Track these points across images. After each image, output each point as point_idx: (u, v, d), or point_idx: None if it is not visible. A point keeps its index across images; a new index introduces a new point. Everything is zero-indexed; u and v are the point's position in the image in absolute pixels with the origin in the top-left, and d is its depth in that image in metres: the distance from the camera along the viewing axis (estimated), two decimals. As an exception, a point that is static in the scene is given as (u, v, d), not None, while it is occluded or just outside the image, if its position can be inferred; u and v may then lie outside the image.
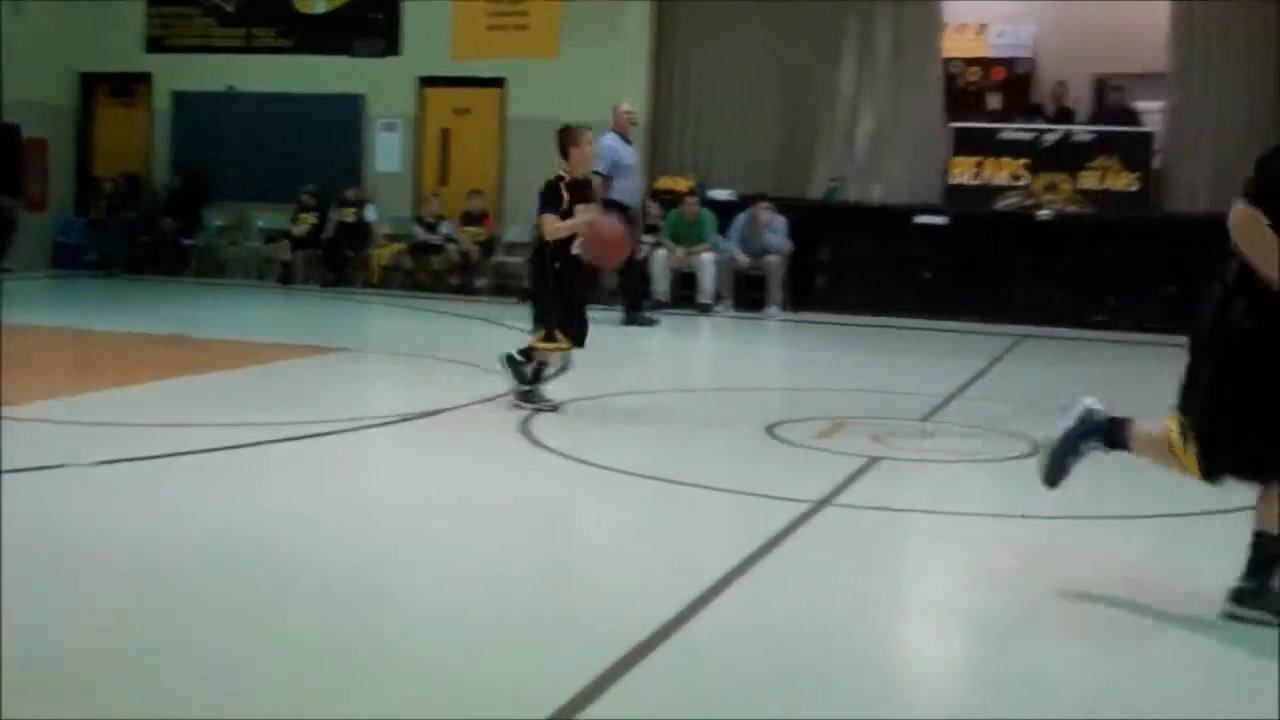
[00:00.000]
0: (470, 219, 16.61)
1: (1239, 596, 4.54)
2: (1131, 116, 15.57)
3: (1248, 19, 14.77)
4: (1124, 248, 14.30)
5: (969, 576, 5.25)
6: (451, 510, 5.76)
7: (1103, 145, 14.71)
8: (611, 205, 13.12)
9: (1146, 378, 11.25)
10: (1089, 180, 14.68)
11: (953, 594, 5.01)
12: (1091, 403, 4.97)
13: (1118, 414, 4.99)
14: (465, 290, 16.24)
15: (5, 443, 6.20)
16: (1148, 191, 14.65)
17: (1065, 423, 4.94)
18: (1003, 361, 11.72)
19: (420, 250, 16.63)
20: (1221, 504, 6.23)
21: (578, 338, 8.03)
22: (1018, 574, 5.15)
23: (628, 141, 13.48)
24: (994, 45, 17.60)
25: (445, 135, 17.38)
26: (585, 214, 7.98)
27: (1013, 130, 15.35)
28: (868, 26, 16.00)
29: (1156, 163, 15.03)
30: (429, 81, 17.26)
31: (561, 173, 8.19)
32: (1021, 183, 14.94)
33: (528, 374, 8.02)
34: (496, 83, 16.84)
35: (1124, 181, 14.62)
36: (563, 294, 8.01)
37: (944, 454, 7.42)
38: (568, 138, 8.33)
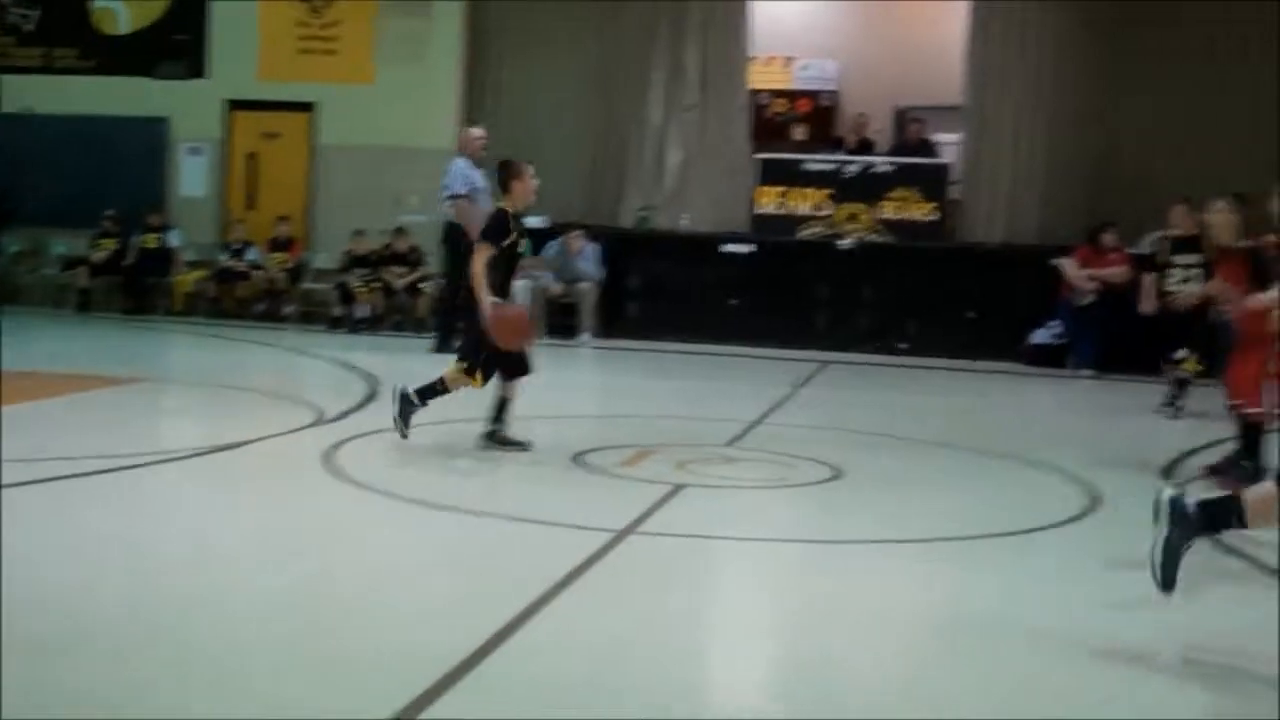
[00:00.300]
0: (278, 245, 16.36)
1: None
2: (930, 148, 16.12)
3: (1039, 55, 15.41)
4: (923, 276, 14.77)
5: (770, 601, 5.37)
6: (251, 545, 5.68)
7: (902, 176, 15.19)
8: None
9: (945, 401, 11.69)
10: (889, 210, 15.13)
11: (753, 618, 5.12)
12: (1172, 494, 4.76)
13: (1205, 497, 4.84)
14: (272, 318, 15.98)
15: None
16: (944, 221, 15.16)
17: (1161, 532, 4.71)
18: (807, 387, 12.00)
19: (225, 277, 16.32)
20: (1017, 526, 6.51)
21: (488, 378, 7.86)
22: (820, 597, 5.29)
23: (479, 166, 13.50)
24: (799, 78, 18.04)
25: (253, 160, 17.10)
26: (489, 304, 7.65)
27: (816, 161, 15.75)
28: (676, 57, 16.26)
29: (953, 193, 15.57)
30: (237, 105, 16.97)
31: (504, 205, 8.06)
32: (824, 212, 15.33)
33: (411, 414, 7.83)
34: (306, 107, 16.65)
35: (922, 211, 15.11)
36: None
37: (747, 480, 7.57)
38: (510, 171, 8.17)
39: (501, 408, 7.96)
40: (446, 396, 8.01)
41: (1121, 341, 13.07)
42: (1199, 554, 6.16)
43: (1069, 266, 13.76)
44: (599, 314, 15.16)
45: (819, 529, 6.59)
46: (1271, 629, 5.07)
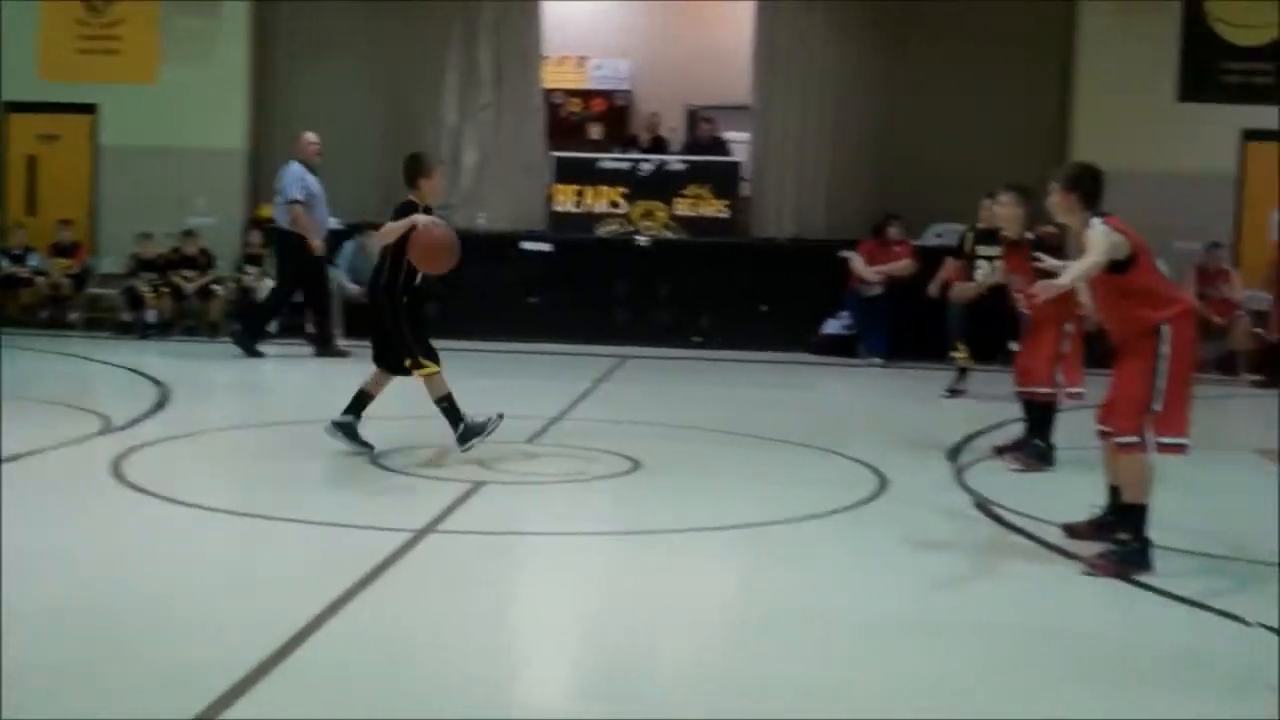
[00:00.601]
0: (60, 250, 15.79)
1: None
2: (722, 147, 16.40)
3: (824, 55, 15.81)
4: (716, 271, 15.03)
5: (573, 595, 5.43)
6: (34, 558, 5.51)
7: (695, 174, 15.43)
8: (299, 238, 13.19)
9: (741, 393, 11.93)
10: (683, 208, 15.35)
11: (555, 614, 5.17)
12: None
13: None
14: (57, 324, 15.43)
15: None
16: (736, 218, 15.44)
17: None
18: (606, 382, 12.11)
19: (7, 283, 15.70)
20: (812, 511, 6.71)
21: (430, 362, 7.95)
22: (621, 590, 5.38)
23: (313, 171, 13.46)
24: (593, 77, 18.17)
25: (32, 163, 16.48)
26: (411, 222, 7.74)
27: (611, 160, 15.89)
28: (470, 57, 16.22)
29: (744, 190, 15.87)
30: (14, 107, 16.33)
31: (413, 199, 8.07)
32: (620, 210, 15.48)
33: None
34: (87, 108, 16.12)
35: (714, 209, 15.37)
36: (412, 324, 7.99)
37: (547, 475, 7.64)
38: (420, 166, 8.21)
39: (362, 401, 7.99)
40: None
41: (909, 331, 13.53)
42: (989, 535, 6.50)
43: (857, 262, 14.17)
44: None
45: (619, 521, 6.70)
46: (1063, 601, 5.37)
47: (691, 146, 16.44)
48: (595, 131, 17.70)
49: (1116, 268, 5.94)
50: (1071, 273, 6.12)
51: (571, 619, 5.08)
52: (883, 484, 7.52)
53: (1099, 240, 5.96)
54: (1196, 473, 7.02)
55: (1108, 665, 4.67)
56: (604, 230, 15.47)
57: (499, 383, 12.13)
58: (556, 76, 17.66)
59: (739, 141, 16.52)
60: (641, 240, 15.32)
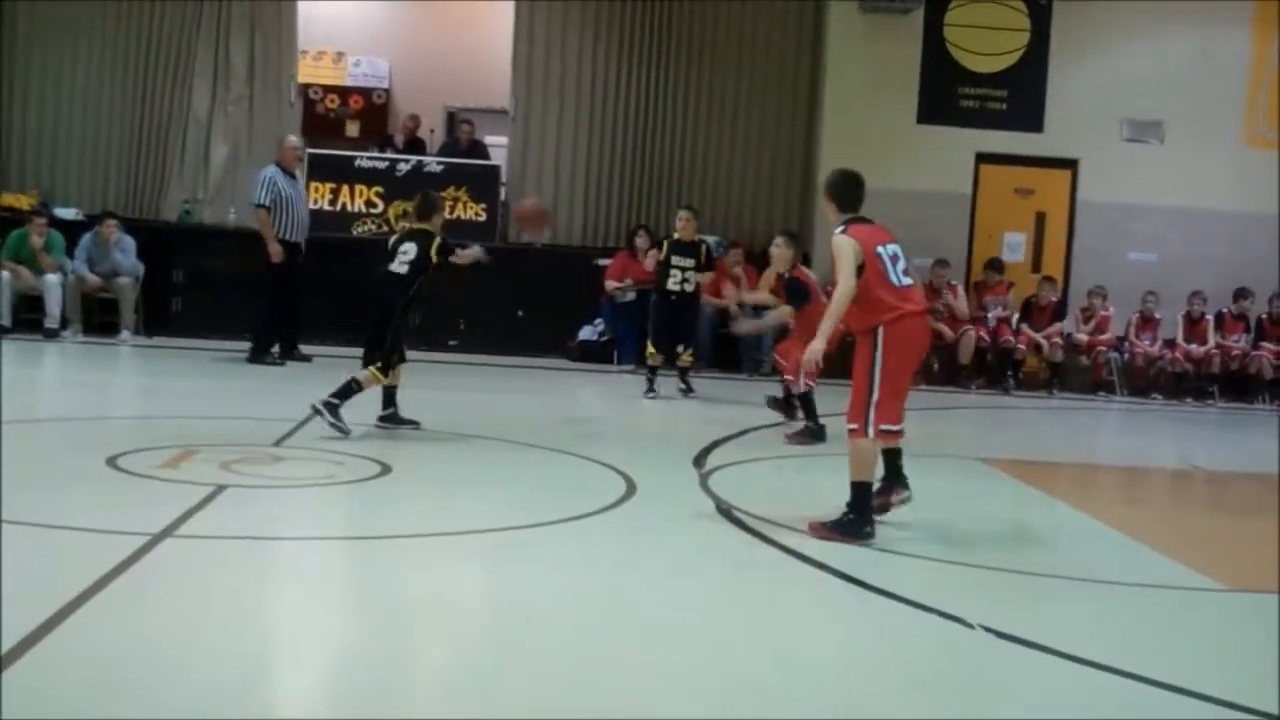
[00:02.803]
0: None
1: None
2: (481, 150, 16.40)
3: (583, 63, 15.97)
4: (473, 274, 14.96)
5: (312, 601, 5.37)
6: None
7: (453, 176, 15.39)
8: (287, 245, 13.05)
9: (495, 398, 11.96)
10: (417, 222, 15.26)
11: (299, 620, 5.11)
12: None
13: None
14: None
15: None
16: (494, 222, 15.47)
17: None
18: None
19: None
20: (563, 514, 6.77)
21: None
22: (368, 594, 5.35)
23: (291, 175, 13.29)
24: (352, 74, 17.97)
25: None
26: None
27: (368, 158, 15.72)
28: (222, 49, 15.84)
29: (503, 194, 15.91)
30: None
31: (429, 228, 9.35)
32: (376, 210, 15.33)
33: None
34: None
35: (472, 212, 15.37)
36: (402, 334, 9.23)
37: (293, 479, 7.51)
38: (432, 205, 9.60)
39: (391, 394, 9.24)
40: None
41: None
42: (730, 539, 6.68)
43: (611, 278, 14.50)
44: (141, 310, 14.57)
45: (364, 526, 6.66)
46: (796, 603, 5.57)
47: (450, 148, 16.39)
48: (353, 129, 17.50)
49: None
50: (830, 314, 6.76)
51: (309, 626, 5.03)
52: (630, 488, 7.65)
53: (843, 258, 6.62)
54: (924, 480, 7.37)
55: (834, 666, 4.87)
56: (359, 229, 15.30)
57: (247, 383, 11.90)
58: (314, 72, 17.42)
59: (498, 145, 16.55)
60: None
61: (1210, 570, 6.65)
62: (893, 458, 7.04)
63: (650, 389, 12.13)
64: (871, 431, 6.63)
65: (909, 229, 13.64)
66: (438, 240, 9.26)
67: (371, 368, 8.99)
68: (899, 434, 6.80)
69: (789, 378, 10.12)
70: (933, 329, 8.48)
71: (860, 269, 6.59)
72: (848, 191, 6.95)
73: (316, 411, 8.79)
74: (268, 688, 4.33)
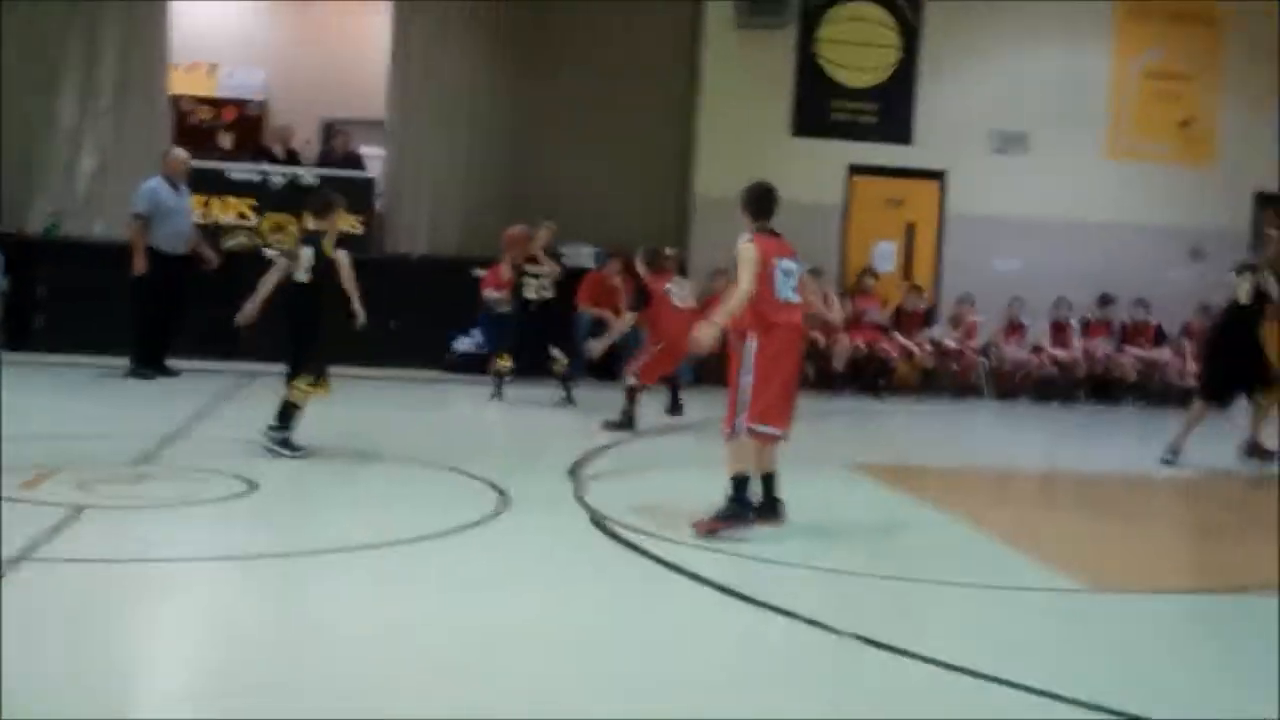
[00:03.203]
0: None
1: None
2: (357, 161, 16.24)
3: (460, 73, 15.89)
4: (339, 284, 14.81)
5: (173, 624, 5.27)
6: None
7: (328, 188, 15.19)
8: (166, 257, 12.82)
9: (366, 412, 11.82)
10: (315, 222, 15.06)
11: (162, 643, 5.01)
12: None
13: None
14: None
15: None
16: (370, 233, 15.32)
17: None
18: (230, 400, 11.79)
19: None
20: (433, 530, 6.73)
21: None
22: (233, 615, 5.26)
23: (175, 187, 13.01)
24: (225, 85, 17.68)
25: None
26: None
27: (240, 170, 15.48)
28: (90, 58, 15.50)
29: (379, 206, 15.77)
30: None
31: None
32: (249, 223, 15.11)
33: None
34: None
35: (348, 223, 15.16)
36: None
37: (156, 499, 7.36)
38: (332, 204, 9.58)
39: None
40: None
41: (543, 349, 13.72)
42: (603, 550, 6.69)
43: (488, 288, 14.44)
44: (4, 326, 14.19)
45: (229, 546, 6.53)
46: (668, 612, 5.59)
47: (325, 160, 16.21)
48: (226, 141, 17.23)
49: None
50: (725, 309, 7.13)
51: (171, 651, 4.94)
52: (504, 501, 7.63)
53: (745, 263, 7.02)
54: (796, 487, 7.45)
55: (706, 672, 4.90)
56: (232, 242, 15.06)
57: (113, 399, 11.63)
58: (186, 83, 17.10)
59: (375, 157, 16.41)
60: (270, 254, 14.98)
61: (1075, 572, 6.82)
62: (768, 482, 7.22)
63: (495, 393, 12.61)
64: (742, 432, 6.98)
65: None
66: (333, 236, 9.28)
67: (300, 382, 8.91)
68: (773, 437, 7.10)
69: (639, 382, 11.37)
70: (807, 338, 8.71)
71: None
72: (758, 204, 7.32)
73: (270, 450, 8.69)
74: (123, 715, 4.25)
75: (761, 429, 7.00)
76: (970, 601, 6.23)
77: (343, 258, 9.08)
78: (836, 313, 15.04)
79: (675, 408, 12.17)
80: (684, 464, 9.75)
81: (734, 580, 6.06)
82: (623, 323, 12.51)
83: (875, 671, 5.02)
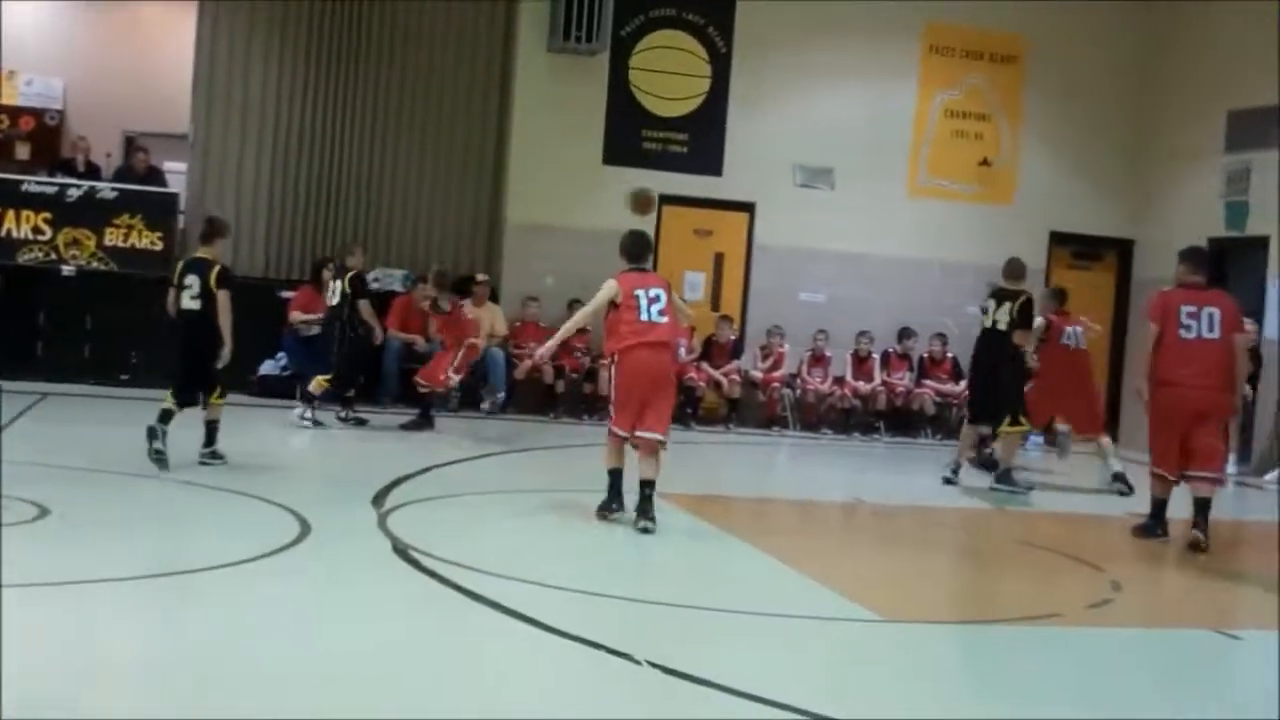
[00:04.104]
0: None
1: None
2: (158, 176, 15.83)
3: (267, 91, 15.61)
4: (147, 306, 14.43)
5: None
6: None
7: (127, 203, 14.80)
8: None
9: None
10: (113, 238, 14.67)
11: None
12: None
13: None
14: None
15: None
16: (171, 251, 14.90)
17: None
18: (21, 420, 11.38)
19: None
20: (231, 559, 6.59)
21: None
22: (26, 643, 5.08)
23: None
24: (23, 94, 17.09)
25: None
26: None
27: (36, 182, 14.94)
28: None
29: (181, 222, 15.39)
30: None
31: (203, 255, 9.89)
32: (44, 237, 14.60)
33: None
34: None
35: (147, 240, 14.81)
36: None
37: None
38: (217, 229, 10.24)
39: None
40: None
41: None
42: (407, 579, 6.65)
43: (295, 310, 14.28)
44: None
45: (17, 573, 6.30)
46: (471, 643, 5.57)
47: (125, 174, 15.75)
48: (23, 152, 16.64)
49: (613, 306, 8.57)
50: (563, 329, 9.34)
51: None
52: (305, 530, 7.52)
53: (600, 292, 8.70)
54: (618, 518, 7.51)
55: (502, 705, 4.91)
56: (25, 257, 14.54)
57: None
58: (-20, 91, 16.48)
59: (177, 172, 16.02)
60: (67, 270, 14.53)
61: (870, 602, 7.02)
62: (615, 478, 8.65)
63: (307, 418, 12.58)
64: (609, 434, 8.62)
65: (594, 266, 13.91)
66: (217, 269, 9.70)
67: (215, 398, 9.77)
68: (626, 439, 8.52)
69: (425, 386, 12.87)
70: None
71: (615, 305, 8.56)
72: (629, 249, 8.96)
73: (205, 463, 9.55)
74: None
75: (617, 431, 8.54)
76: (768, 631, 6.35)
77: (223, 297, 9.63)
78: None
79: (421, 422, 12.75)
80: (490, 490, 9.73)
81: (534, 610, 6.07)
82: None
83: (672, 702, 5.09)
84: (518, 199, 15.61)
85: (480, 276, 15.14)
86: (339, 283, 12.85)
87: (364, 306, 12.72)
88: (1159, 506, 9.67)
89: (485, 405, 14.05)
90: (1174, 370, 9.45)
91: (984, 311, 11.72)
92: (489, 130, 16.05)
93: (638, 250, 8.98)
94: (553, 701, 5.03)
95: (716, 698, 5.07)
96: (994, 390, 11.53)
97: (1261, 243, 15.20)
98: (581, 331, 14.23)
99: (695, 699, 5.08)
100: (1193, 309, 9.45)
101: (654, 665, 5.35)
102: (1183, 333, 9.42)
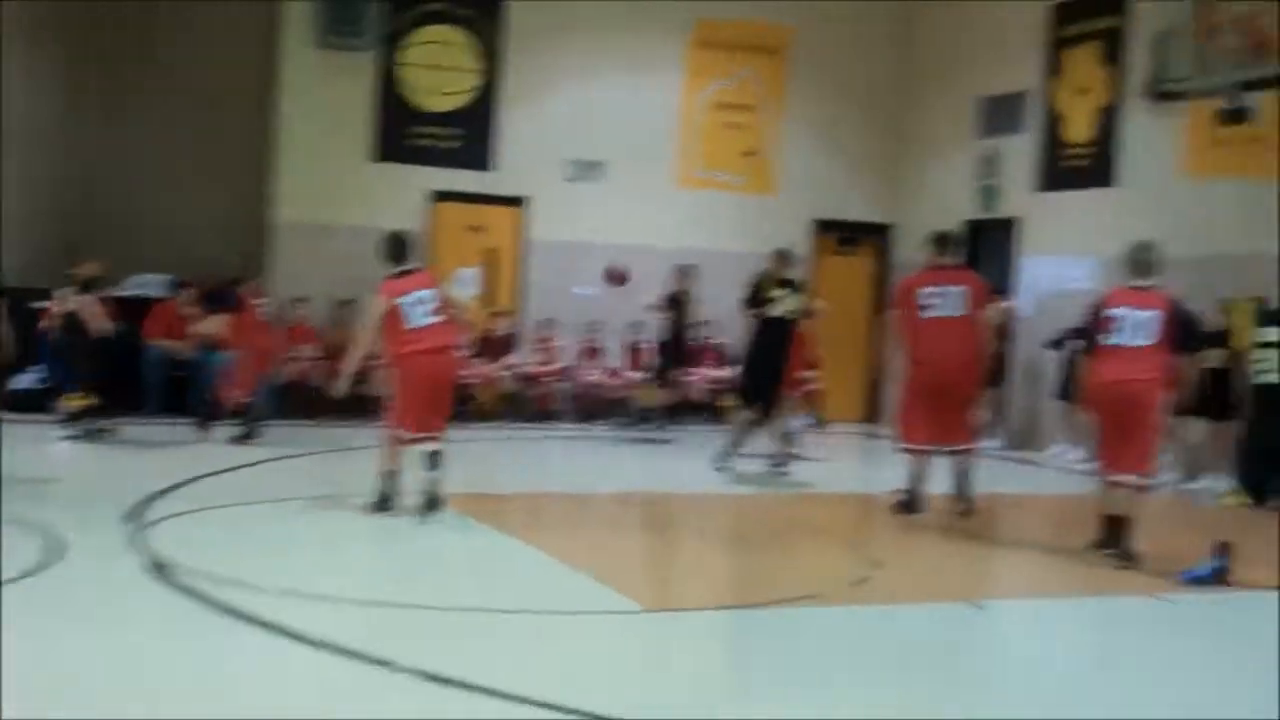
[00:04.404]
0: None
1: None
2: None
3: (9, 93, 14.92)
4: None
5: None
6: None
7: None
8: None
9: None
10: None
11: None
12: None
13: None
14: None
15: None
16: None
17: None
18: None
19: None
20: None
21: None
22: None
23: None
24: None
25: None
26: None
27: None
28: None
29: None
30: None
31: None
32: None
33: None
34: None
35: None
36: None
37: None
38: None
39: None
40: None
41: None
42: (162, 598, 6.47)
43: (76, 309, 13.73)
44: None
45: None
46: (233, 660, 5.45)
47: None
48: None
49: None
50: (351, 349, 9.27)
51: None
52: (55, 549, 7.25)
53: (368, 309, 9.03)
54: (368, 518, 7.40)
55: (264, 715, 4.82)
56: None
57: None
58: None
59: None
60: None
61: (635, 593, 7.12)
62: (389, 480, 8.91)
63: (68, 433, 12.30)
64: (388, 437, 8.90)
65: (364, 265, 13.76)
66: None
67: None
68: (420, 440, 8.87)
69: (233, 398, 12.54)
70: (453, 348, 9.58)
71: (386, 315, 8.73)
72: (388, 249, 9.06)
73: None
74: None
75: (399, 434, 8.87)
76: (535, 629, 6.38)
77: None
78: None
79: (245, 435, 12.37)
80: (255, 500, 9.53)
81: (289, 618, 5.97)
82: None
83: (435, 707, 5.07)
84: (287, 197, 15.33)
85: (247, 280, 14.80)
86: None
87: (82, 301, 12.29)
88: (914, 482, 10.06)
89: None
90: (922, 349, 9.97)
91: (766, 300, 11.79)
92: (255, 129, 15.67)
93: (397, 251, 9.04)
94: (307, 714, 4.95)
95: (481, 701, 5.07)
96: (770, 377, 11.79)
97: (1011, 224, 15.88)
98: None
99: (460, 704, 5.07)
100: (936, 289, 9.97)
101: (414, 671, 5.32)
102: (925, 313, 9.93)
